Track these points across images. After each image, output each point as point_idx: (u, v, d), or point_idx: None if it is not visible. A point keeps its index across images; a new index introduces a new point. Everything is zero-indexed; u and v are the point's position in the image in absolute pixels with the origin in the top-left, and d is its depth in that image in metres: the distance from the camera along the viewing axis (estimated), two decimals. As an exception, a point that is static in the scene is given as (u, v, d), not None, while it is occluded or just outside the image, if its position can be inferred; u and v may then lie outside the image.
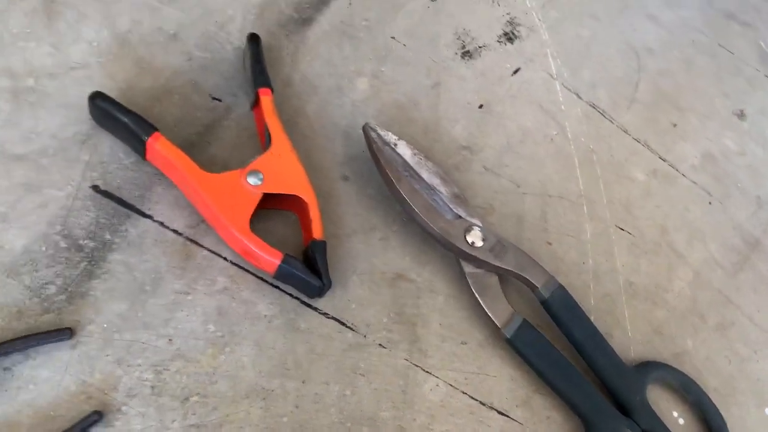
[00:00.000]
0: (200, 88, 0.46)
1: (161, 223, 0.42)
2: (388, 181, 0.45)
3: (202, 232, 0.42)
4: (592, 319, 0.48)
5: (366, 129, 0.46)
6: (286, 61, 0.50)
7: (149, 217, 0.42)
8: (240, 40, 0.49)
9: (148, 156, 0.41)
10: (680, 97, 0.61)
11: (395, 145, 0.46)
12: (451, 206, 0.46)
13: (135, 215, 0.41)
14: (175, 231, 0.42)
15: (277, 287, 0.42)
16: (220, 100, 0.47)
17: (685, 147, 0.59)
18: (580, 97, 0.57)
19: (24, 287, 0.38)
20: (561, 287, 0.46)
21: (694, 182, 0.57)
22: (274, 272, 0.40)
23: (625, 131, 0.57)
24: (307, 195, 0.42)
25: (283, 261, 0.39)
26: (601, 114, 0.57)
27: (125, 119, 0.40)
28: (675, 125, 0.59)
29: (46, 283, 0.38)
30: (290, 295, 0.42)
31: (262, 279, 0.42)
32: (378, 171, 0.46)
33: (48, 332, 0.37)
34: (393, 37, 0.54)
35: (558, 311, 0.45)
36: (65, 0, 0.46)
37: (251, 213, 0.40)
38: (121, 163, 0.42)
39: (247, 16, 0.50)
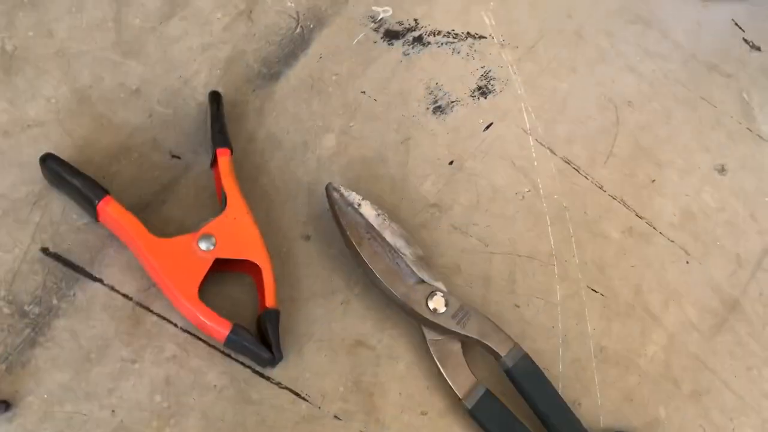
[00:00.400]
0: (160, 145, 0.46)
1: (111, 287, 0.41)
2: (349, 243, 0.44)
3: (152, 297, 0.41)
4: (560, 386, 0.46)
5: (329, 189, 0.45)
6: (250, 117, 0.49)
7: (99, 280, 0.41)
8: (205, 96, 0.48)
9: (101, 218, 0.41)
10: (659, 151, 0.60)
11: (359, 205, 0.46)
12: (414, 269, 0.45)
13: (84, 279, 0.41)
14: (125, 296, 0.41)
15: (228, 355, 0.41)
16: (179, 158, 0.46)
17: (663, 203, 0.57)
18: (554, 153, 0.56)
19: (-37, 356, 0.37)
20: (525, 356, 0.44)
21: (672, 240, 0.56)
22: (223, 342, 0.39)
23: (601, 187, 0.56)
24: (262, 260, 0.41)
25: (232, 331, 0.38)
26: (576, 170, 0.56)
27: (76, 182, 0.40)
28: (653, 181, 0.58)
29: (-14, 352, 0.37)
30: (242, 364, 0.41)
31: (213, 347, 0.41)
32: (340, 233, 0.45)
33: (-16, 405, 0.36)
34: (363, 92, 0.53)
35: (522, 381, 0.44)
36: (25, 56, 0.45)
37: (201, 279, 0.39)
38: (74, 225, 0.42)
39: (213, 71, 0.49)
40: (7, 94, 0.44)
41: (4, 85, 0.44)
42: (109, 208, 0.39)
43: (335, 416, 0.41)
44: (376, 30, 0.56)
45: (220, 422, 0.39)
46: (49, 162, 0.40)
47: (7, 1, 0.47)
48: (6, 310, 0.38)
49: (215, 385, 0.40)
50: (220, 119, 0.45)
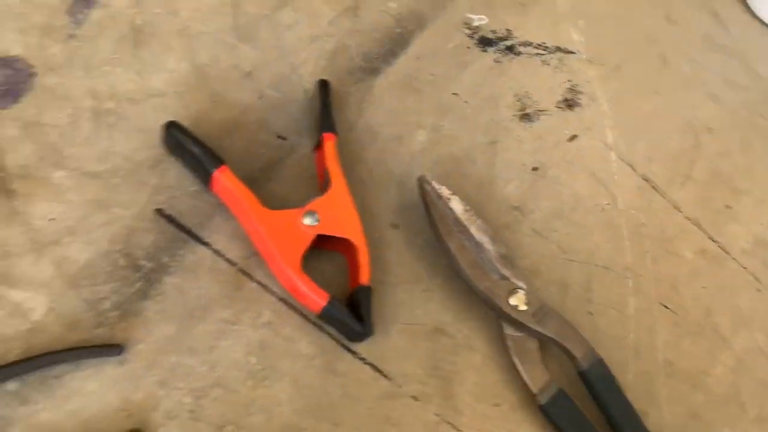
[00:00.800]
0: (268, 125, 0.48)
1: (217, 252, 0.43)
2: (438, 234, 0.46)
3: (254, 265, 0.43)
4: (628, 395, 0.47)
5: (421, 181, 0.47)
6: (351, 108, 0.51)
7: (206, 244, 0.43)
8: (310, 83, 0.51)
9: (213, 187, 0.43)
10: (736, 178, 0.61)
11: (448, 199, 0.47)
12: (497, 266, 0.46)
13: (193, 241, 0.43)
14: (229, 261, 0.43)
15: (319, 327, 0.43)
16: (285, 139, 0.48)
17: (737, 230, 0.58)
18: (634, 170, 0.57)
19: (81, 300, 0.40)
20: (600, 360, 0.45)
21: (744, 267, 0.56)
22: (318, 312, 0.41)
23: (677, 208, 0.57)
24: (359, 240, 0.43)
25: (329, 303, 0.40)
26: (654, 188, 0.57)
27: (196, 150, 0.42)
28: (729, 207, 0.59)
29: (103, 298, 0.40)
30: (331, 336, 0.43)
31: (305, 317, 0.43)
32: (429, 223, 0.47)
33: (99, 346, 0.38)
34: (455, 94, 0.55)
35: (595, 384, 0.45)
36: (152, 31, 0.49)
37: (304, 252, 0.41)
38: (186, 191, 0.44)
39: (319, 61, 0.52)
40: (135, 65, 0.47)
41: (133, 57, 0.47)
42: (224, 177, 0.42)
43: (413, 397, 0.43)
44: (470, 36, 0.58)
45: (308, 389, 0.41)
46: (172, 129, 0.43)
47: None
48: (122, 262, 0.41)
49: (305, 354, 0.42)
50: (327, 106, 0.47)
